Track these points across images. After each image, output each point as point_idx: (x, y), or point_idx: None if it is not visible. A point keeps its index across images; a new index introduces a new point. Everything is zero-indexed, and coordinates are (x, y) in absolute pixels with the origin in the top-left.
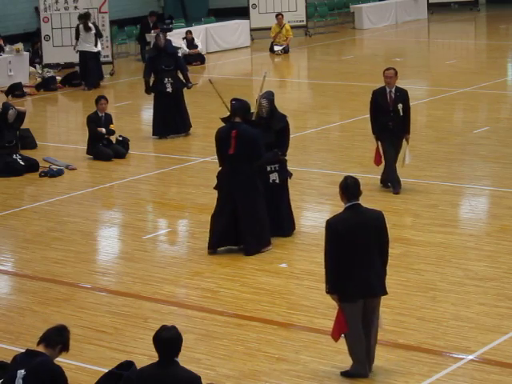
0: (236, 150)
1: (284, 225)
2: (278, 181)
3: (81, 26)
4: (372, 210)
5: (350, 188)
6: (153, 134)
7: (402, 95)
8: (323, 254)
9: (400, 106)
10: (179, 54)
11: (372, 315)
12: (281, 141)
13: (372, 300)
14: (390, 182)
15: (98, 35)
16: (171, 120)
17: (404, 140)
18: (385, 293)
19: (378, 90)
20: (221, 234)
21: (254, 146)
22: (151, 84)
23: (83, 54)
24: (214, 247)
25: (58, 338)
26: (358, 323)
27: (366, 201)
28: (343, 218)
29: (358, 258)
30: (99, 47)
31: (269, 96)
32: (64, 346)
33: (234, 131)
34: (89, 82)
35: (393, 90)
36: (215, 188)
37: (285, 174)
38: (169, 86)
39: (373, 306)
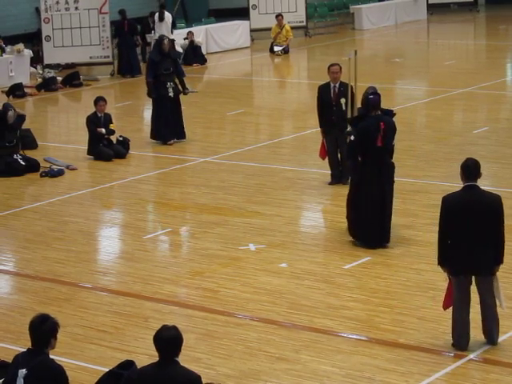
0: (383, 141)
1: None
2: None
3: (156, 15)
4: (489, 193)
5: (470, 168)
6: (155, 139)
7: (346, 90)
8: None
9: (343, 100)
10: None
11: (485, 295)
12: None
13: (482, 279)
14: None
15: (173, 25)
16: (173, 124)
17: None
18: (492, 273)
19: (323, 85)
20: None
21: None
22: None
23: None
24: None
25: (48, 334)
26: (461, 298)
27: None
28: (458, 195)
29: (466, 236)
30: (173, 35)
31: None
32: (55, 334)
33: (381, 123)
34: None
35: (337, 85)
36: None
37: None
38: (171, 90)
39: (485, 286)
